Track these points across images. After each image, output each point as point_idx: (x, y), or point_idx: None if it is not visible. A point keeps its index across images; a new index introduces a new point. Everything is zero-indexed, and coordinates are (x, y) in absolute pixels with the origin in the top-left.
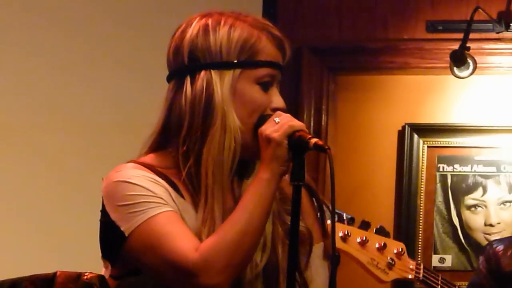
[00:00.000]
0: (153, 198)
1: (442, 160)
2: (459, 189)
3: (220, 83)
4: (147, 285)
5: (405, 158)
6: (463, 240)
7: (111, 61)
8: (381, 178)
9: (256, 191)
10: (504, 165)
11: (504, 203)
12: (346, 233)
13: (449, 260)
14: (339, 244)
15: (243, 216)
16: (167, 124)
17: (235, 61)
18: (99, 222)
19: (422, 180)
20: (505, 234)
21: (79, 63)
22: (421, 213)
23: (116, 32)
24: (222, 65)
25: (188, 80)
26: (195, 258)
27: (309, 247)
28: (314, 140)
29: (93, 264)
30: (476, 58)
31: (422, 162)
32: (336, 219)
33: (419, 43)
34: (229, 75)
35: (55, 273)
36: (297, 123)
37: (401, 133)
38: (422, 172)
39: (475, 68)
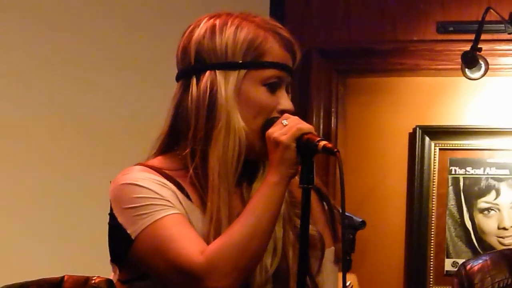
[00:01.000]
0: (160, 200)
1: (454, 162)
2: (471, 192)
3: (225, 84)
4: None
5: (416, 161)
6: (476, 244)
7: (115, 63)
8: (392, 182)
9: (264, 194)
10: None
11: None
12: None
13: None
14: None
15: (250, 219)
16: (174, 125)
17: (240, 62)
18: (107, 225)
19: (434, 183)
20: None
21: (83, 65)
22: (433, 216)
23: (120, 33)
24: (227, 66)
25: (194, 81)
26: (201, 261)
27: (321, 252)
28: (323, 143)
29: (101, 268)
30: (488, 59)
31: (434, 165)
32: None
33: (429, 44)
34: (234, 75)
35: (62, 277)
36: (305, 126)
37: (412, 136)
38: (434, 175)
39: (487, 69)
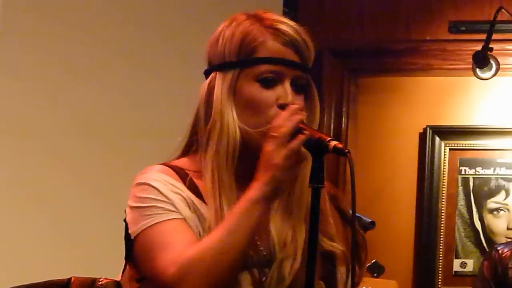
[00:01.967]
0: (165, 204)
1: (464, 162)
2: (481, 193)
3: (221, 84)
4: None
5: (426, 161)
6: (485, 245)
7: (128, 64)
8: (402, 181)
9: (241, 210)
10: None
11: None
12: None
13: (470, 265)
14: None
15: (223, 235)
16: (193, 126)
17: (235, 60)
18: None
19: (444, 183)
20: None
21: (95, 66)
22: (442, 217)
23: (132, 34)
24: (224, 66)
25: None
26: (172, 273)
27: (346, 267)
28: (333, 143)
29: (108, 269)
30: (499, 59)
31: (444, 165)
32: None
33: (441, 44)
34: (229, 75)
35: (69, 279)
36: (295, 144)
37: (422, 136)
38: (444, 175)
39: (498, 69)
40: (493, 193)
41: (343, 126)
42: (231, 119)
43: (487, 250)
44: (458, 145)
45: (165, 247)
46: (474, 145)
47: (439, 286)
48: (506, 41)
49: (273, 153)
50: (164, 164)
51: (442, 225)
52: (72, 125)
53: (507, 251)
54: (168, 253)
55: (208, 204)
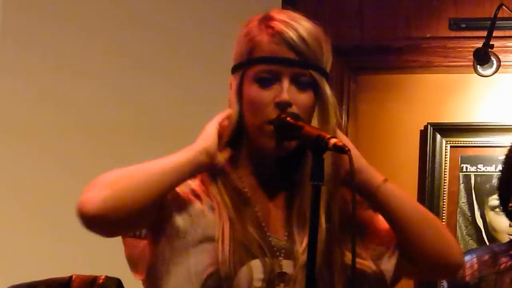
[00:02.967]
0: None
1: (465, 160)
2: (483, 190)
3: (232, 87)
4: None
5: (427, 158)
6: (487, 242)
7: (129, 65)
8: (404, 179)
9: (166, 163)
10: None
11: None
12: None
13: None
14: None
15: (137, 170)
16: None
17: (239, 62)
18: None
19: (445, 181)
20: None
21: (96, 66)
22: (444, 214)
23: (131, 34)
24: (233, 68)
25: None
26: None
27: None
28: (333, 140)
29: (109, 267)
30: (500, 56)
31: (445, 162)
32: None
33: (442, 41)
34: (237, 77)
35: (70, 277)
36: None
37: (423, 133)
38: (445, 173)
39: (499, 66)
40: (494, 190)
41: (343, 123)
42: (236, 122)
43: (481, 246)
44: (459, 142)
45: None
46: (475, 142)
47: (441, 283)
48: (507, 38)
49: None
50: None
51: (443, 222)
52: (72, 126)
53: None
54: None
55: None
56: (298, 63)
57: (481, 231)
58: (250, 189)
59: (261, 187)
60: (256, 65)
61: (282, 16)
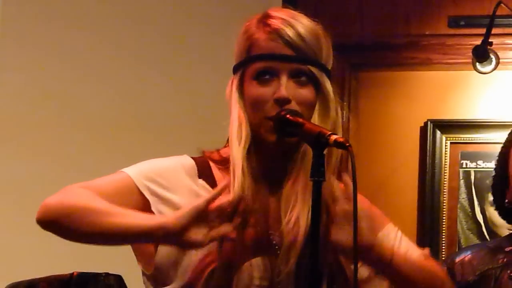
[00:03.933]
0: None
1: (465, 156)
2: (482, 186)
3: (232, 86)
4: None
5: (427, 154)
6: (487, 237)
7: (130, 59)
8: (404, 175)
9: (130, 217)
10: None
11: None
12: None
13: None
14: None
15: (97, 209)
16: None
17: (239, 61)
18: None
19: (445, 177)
20: None
21: (96, 60)
22: (444, 210)
23: (132, 30)
24: (235, 68)
25: None
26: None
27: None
28: (334, 136)
29: (110, 264)
30: (498, 53)
31: (445, 159)
32: None
33: (441, 38)
34: (237, 76)
35: (71, 274)
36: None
37: (423, 130)
38: (445, 169)
39: (497, 63)
40: None
41: (344, 120)
42: (238, 116)
43: (475, 243)
44: (459, 138)
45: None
46: (475, 138)
47: None
48: (506, 35)
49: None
50: (205, 151)
51: (444, 218)
52: (73, 123)
53: (458, 257)
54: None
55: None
56: (296, 59)
57: (481, 226)
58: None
59: (264, 183)
60: (254, 62)
61: (280, 14)
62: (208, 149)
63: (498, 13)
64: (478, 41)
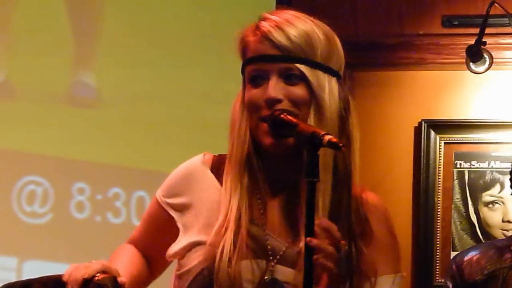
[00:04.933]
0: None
1: (459, 156)
2: (476, 186)
3: (238, 93)
4: None
5: (421, 154)
6: (481, 237)
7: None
8: (398, 175)
9: None
10: None
11: None
12: None
13: None
14: None
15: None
16: None
17: (241, 66)
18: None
19: (439, 177)
20: None
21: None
22: (438, 210)
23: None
24: (241, 73)
25: None
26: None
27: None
28: (327, 137)
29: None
30: (492, 53)
31: (439, 159)
32: None
33: (435, 38)
34: (242, 82)
35: None
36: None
37: (417, 130)
38: (439, 169)
39: (491, 63)
40: (488, 186)
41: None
42: (239, 120)
43: (483, 242)
44: (453, 138)
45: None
46: (469, 138)
47: (437, 278)
48: (499, 35)
49: None
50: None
51: (438, 218)
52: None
53: (464, 256)
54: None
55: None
56: (282, 58)
57: (475, 226)
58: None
59: (266, 186)
60: (248, 66)
61: (274, 17)
62: None
63: (491, 12)
64: (471, 41)
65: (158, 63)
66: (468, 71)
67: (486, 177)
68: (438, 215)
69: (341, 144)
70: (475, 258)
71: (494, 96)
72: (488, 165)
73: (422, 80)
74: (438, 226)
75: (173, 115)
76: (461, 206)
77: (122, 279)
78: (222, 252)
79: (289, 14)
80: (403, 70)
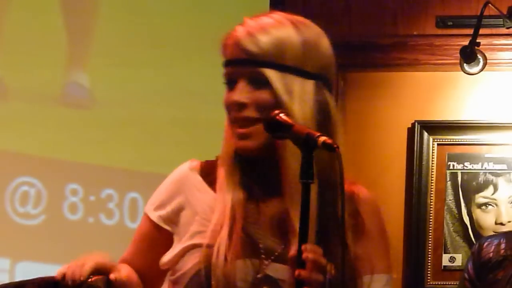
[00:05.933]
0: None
1: (452, 157)
2: (469, 187)
3: None
4: None
5: (415, 156)
6: (473, 239)
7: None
8: (391, 177)
9: None
10: None
11: None
12: None
13: (459, 259)
14: None
15: None
16: None
17: None
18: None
19: (432, 179)
20: None
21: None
22: (431, 212)
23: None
24: None
25: None
26: None
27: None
28: (322, 138)
29: None
30: (486, 54)
31: (432, 160)
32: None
33: (429, 39)
34: None
35: None
36: None
37: (410, 131)
38: (432, 170)
39: (485, 64)
40: (481, 188)
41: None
42: (226, 128)
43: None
44: (446, 140)
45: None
46: (462, 140)
47: (428, 280)
48: (493, 35)
49: None
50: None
51: (431, 220)
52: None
53: (486, 240)
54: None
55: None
56: (247, 62)
57: (468, 228)
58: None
59: (259, 186)
60: (224, 69)
61: (250, 22)
62: None
63: (485, 13)
64: (465, 42)
65: (152, 63)
66: (462, 72)
67: (479, 179)
68: (431, 217)
69: (335, 146)
70: (497, 241)
71: (488, 97)
72: (481, 167)
73: (415, 81)
74: (430, 228)
75: (167, 116)
76: (454, 207)
77: (114, 275)
78: (218, 251)
79: (268, 19)
80: (396, 71)
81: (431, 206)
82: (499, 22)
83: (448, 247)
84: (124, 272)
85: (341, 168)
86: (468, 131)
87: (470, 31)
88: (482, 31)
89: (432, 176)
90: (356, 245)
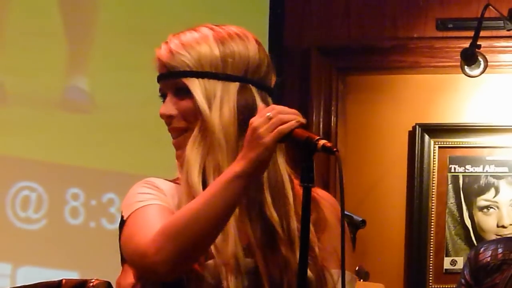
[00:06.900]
0: (157, 191)
1: (453, 160)
2: (471, 190)
3: None
4: None
5: (416, 159)
6: (475, 242)
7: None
8: (392, 180)
9: (221, 181)
10: None
11: None
12: None
13: (460, 263)
14: None
15: (199, 203)
16: None
17: None
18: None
19: (434, 182)
20: None
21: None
22: (432, 215)
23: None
24: None
25: None
26: (148, 240)
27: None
28: (322, 142)
29: (99, 271)
30: (487, 56)
31: (433, 163)
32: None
33: (429, 41)
34: None
35: (60, 281)
36: (286, 126)
37: (411, 134)
38: (434, 173)
39: (486, 66)
40: (482, 190)
41: (332, 124)
42: None
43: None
44: (447, 143)
45: (145, 225)
46: (463, 142)
47: (430, 284)
48: (494, 38)
49: (264, 132)
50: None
51: (432, 223)
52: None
53: (482, 246)
54: (147, 229)
55: None
56: (165, 76)
57: (470, 231)
58: None
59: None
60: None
61: (171, 38)
62: None
63: (486, 15)
64: (466, 44)
65: (152, 67)
66: (463, 75)
67: (481, 182)
68: (432, 220)
69: (335, 149)
70: (493, 246)
71: (489, 100)
72: (483, 170)
73: (416, 84)
74: (432, 231)
75: None
76: (455, 210)
77: None
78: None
79: (189, 32)
80: (397, 74)
81: (433, 209)
82: (499, 24)
83: (450, 250)
84: None
85: (340, 171)
86: (469, 133)
87: (471, 33)
88: (482, 33)
89: (434, 179)
90: (321, 239)
